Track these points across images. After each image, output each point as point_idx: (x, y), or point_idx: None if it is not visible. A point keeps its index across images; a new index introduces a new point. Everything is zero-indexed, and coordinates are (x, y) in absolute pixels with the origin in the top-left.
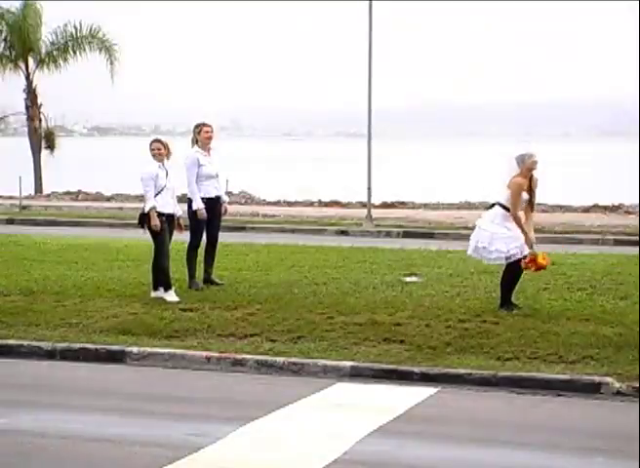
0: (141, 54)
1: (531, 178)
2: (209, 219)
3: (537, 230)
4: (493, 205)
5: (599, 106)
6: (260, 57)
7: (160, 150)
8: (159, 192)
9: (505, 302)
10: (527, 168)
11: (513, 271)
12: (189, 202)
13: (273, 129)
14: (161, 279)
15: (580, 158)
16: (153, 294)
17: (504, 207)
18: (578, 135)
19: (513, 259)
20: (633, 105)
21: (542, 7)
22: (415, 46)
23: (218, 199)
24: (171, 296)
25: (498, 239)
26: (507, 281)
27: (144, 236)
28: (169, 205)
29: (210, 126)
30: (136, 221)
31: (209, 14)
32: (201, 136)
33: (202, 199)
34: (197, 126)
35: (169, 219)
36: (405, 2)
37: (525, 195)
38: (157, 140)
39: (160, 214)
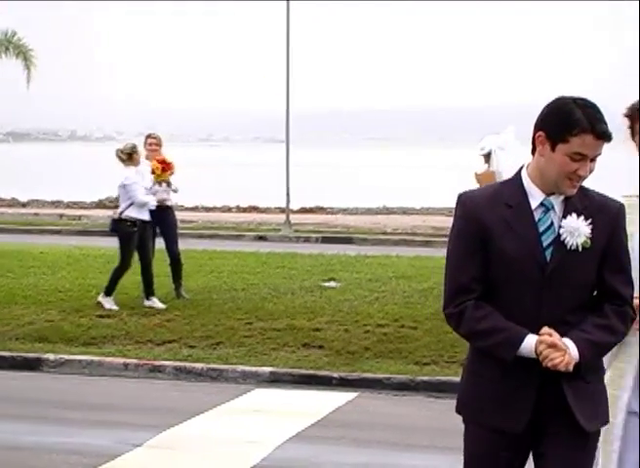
0: (59, 58)
1: None
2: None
3: None
4: None
5: None
6: (174, 59)
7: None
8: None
9: None
10: None
11: None
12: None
13: (189, 134)
14: (111, 284)
15: None
16: (146, 303)
17: None
18: None
19: None
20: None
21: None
22: (334, 49)
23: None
24: (109, 302)
25: None
26: None
27: (60, 242)
28: (144, 211)
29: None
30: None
31: (127, 16)
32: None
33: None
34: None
35: (141, 226)
36: (325, 2)
37: None
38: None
39: (131, 220)
